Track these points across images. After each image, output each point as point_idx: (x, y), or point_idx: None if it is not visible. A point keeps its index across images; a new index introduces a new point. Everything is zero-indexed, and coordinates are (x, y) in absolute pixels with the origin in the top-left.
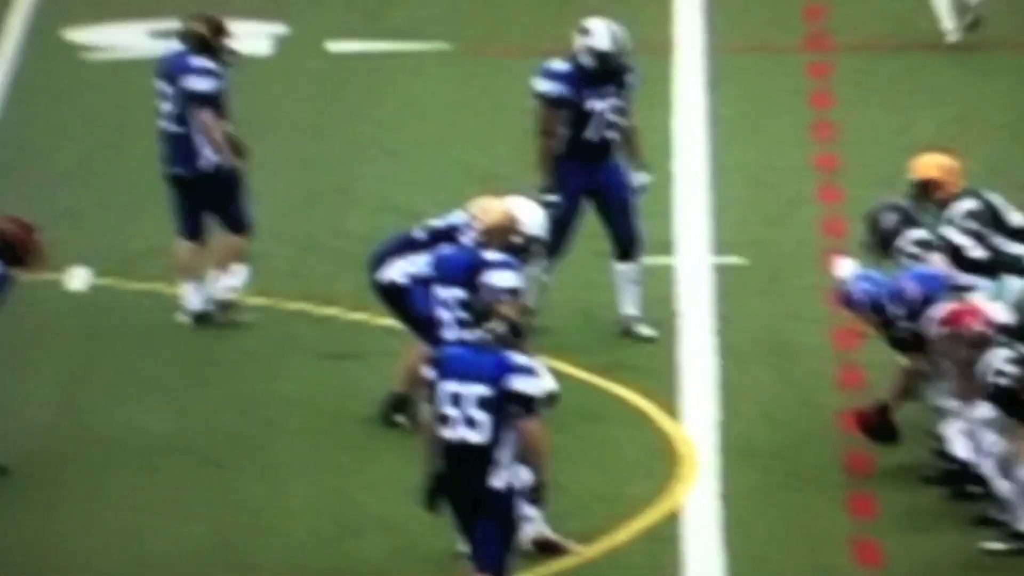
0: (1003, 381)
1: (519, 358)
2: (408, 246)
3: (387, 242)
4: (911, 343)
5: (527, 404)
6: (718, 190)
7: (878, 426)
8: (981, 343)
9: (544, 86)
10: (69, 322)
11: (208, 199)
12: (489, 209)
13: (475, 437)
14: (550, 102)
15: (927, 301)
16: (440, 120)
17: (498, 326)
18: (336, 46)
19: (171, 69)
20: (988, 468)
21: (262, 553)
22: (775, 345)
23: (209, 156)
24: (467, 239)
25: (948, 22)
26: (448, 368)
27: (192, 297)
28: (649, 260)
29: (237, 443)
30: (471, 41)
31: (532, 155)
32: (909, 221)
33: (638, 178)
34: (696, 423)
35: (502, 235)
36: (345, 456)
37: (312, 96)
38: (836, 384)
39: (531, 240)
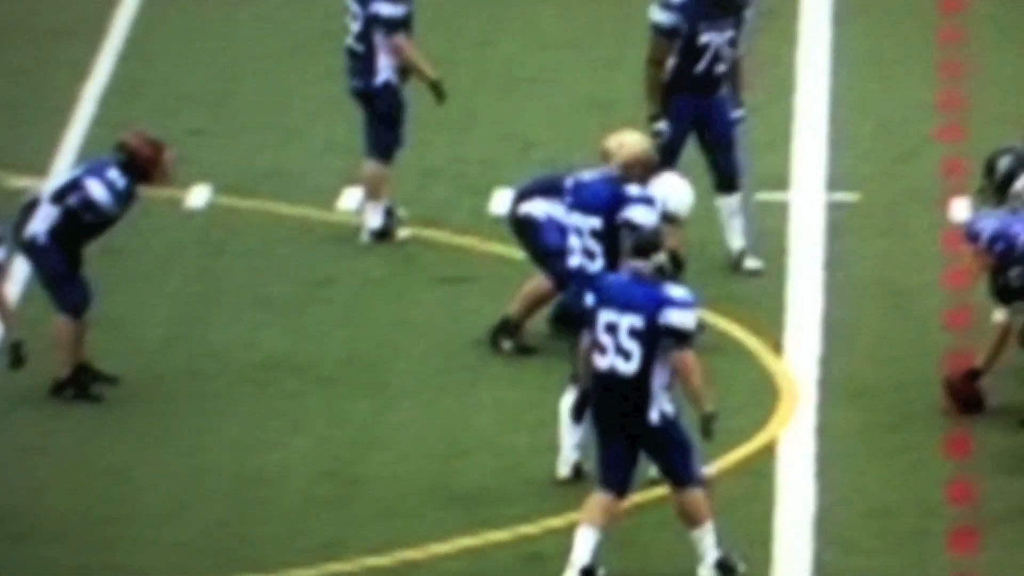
0: None
1: (675, 290)
2: (554, 190)
3: (535, 180)
4: (1016, 291)
5: (682, 337)
6: (838, 127)
7: (965, 393)
8: None
9: (658, 16)
10: (188, 239)
11: (377, 115)
12: (627, 142)
13: (626, 368)
14: (663, 32)
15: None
16: (563, 51)
17: (660, 258)
18: None
19: None
20: None
21: (367, 468)
22: (885, 284)
23: (382, 78)
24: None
25: None
26: (606, 296)
27: (373, 215)
28: (764, 195)
29: (349, 362)
30: None
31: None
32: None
33: (735, 113)
34: (799, 359)
35: (641, 168)
36: (455, 378)
37: (440, 25)
38: (945, 325)
39: (674, 217)
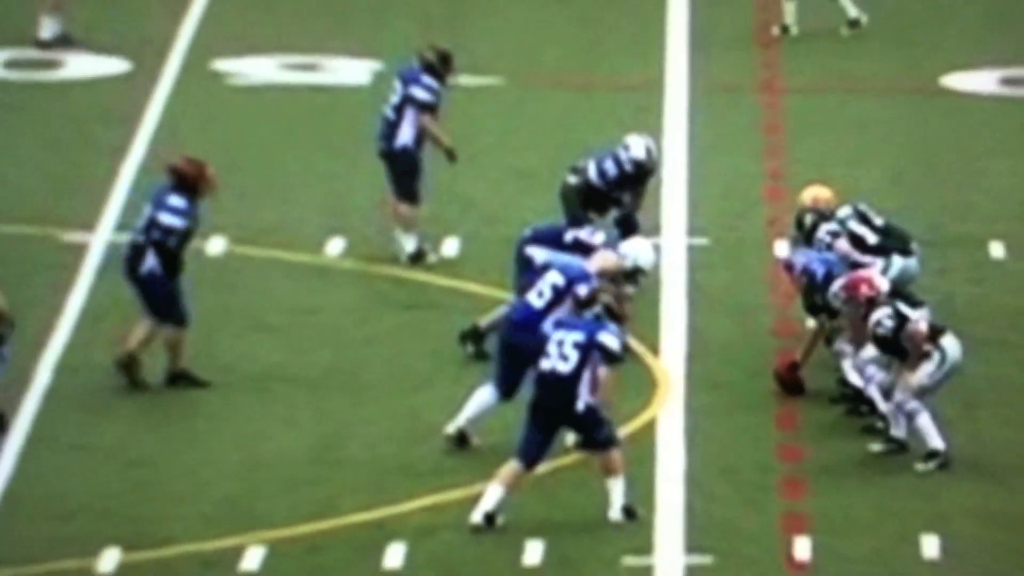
0: (881, 331)
1: (611, 326)
2: (556, 241)
3: (546, 227)
4: (820, 308)
5: (608, 355)
6: (695, 191)
7: (789, 380)
8: (870, 303)
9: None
10: (206, 279)
11: (396, 171)
12: (605, 257)
13: (563, 368)
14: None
15: (829, 276)
16: (498, 134)
17: (597, 310)
18: None
19: (406, 76)
20: (873, 393)
21: (347, 452)
22: (731, 303)
23: (402, 141)
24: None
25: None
26: (562, 323)
27: (409, 243)
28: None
29: (330, 372)
30: (519, 76)
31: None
32: (823, 218)
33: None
34: (671, 359)
35: (610, 274)
36: (413, 382)
37: None
38: (774, 332)
39: (638, 269)
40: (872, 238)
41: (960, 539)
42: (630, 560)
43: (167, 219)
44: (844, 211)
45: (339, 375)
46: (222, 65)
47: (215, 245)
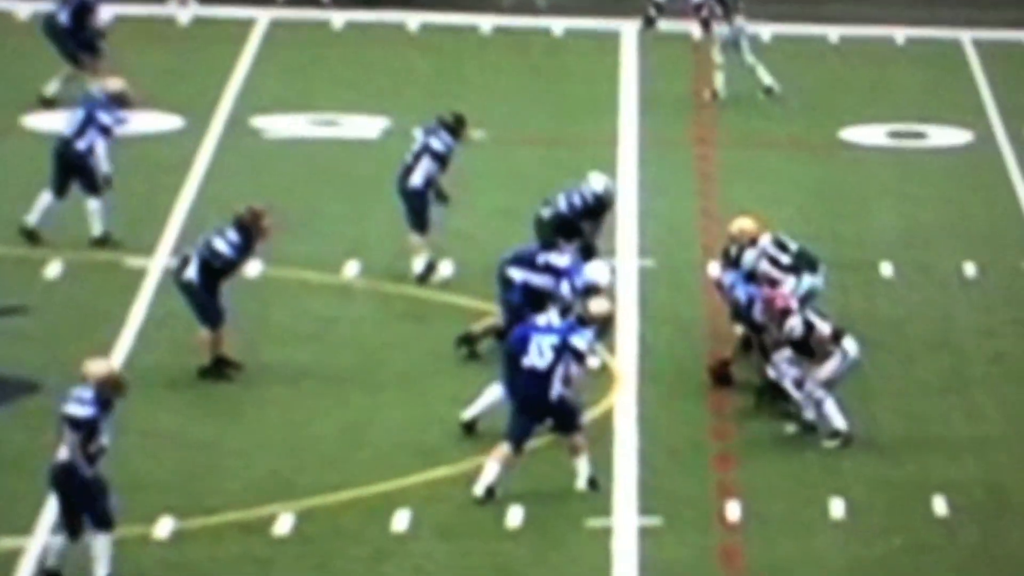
0: (795, 335)
1: (583, 331)
2: (530, 263)
3: (523, 251)
4: (741, 316)
5: (578, 356)
6: (645, 223)
7: (720, 375)
8: (784, 313)
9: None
10: (246, 297)
11: (409, 207)
12: (600, 304)
13: (540, 364)
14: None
15: (751, 300)
16: (486, 178)
17: (572, 318)
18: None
19: (426, 132)
20: (787, 384)
21: (366, 437)
22: (673, 314)
23: (413, 183)
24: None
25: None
26: (544, 330)
27: (418, 264)
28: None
29: (352, 371)
30: (502, 133)
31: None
32: (750, 243)
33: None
34: (626, 358)
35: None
36: (422, 378)
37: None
38: (708, 336)
39: (599, 288)
40: (786, 260)
41: (859, 501)
42: (593, 522)
43: (220, 245)
44: (764, 239)
45: (359, 373)
46: (260, 122)
47: (253, 268)
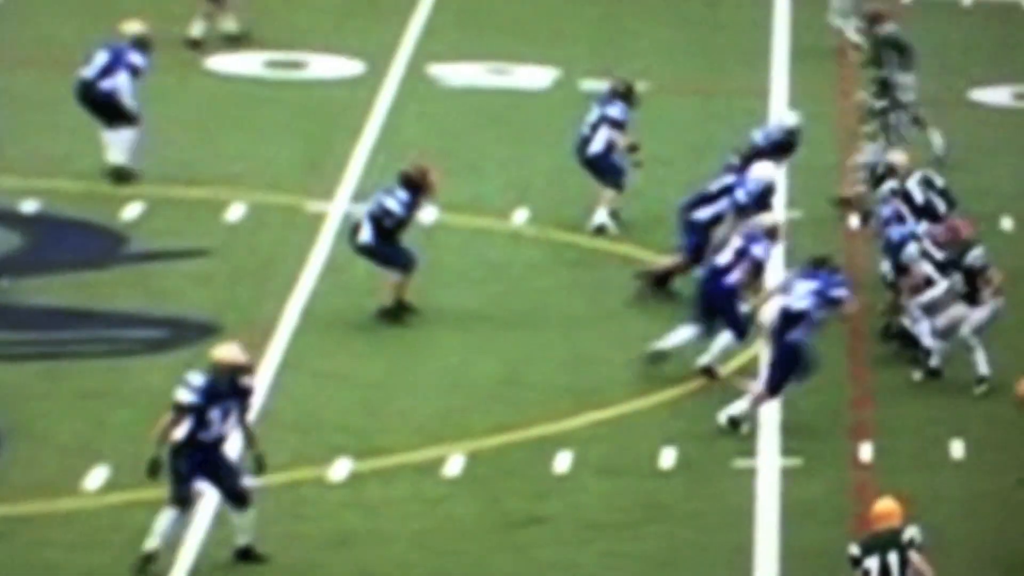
0: (978, 263)
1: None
2: (707, 198)
3: (697, 192)
4: (891, 252)
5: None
6: (792, 173)
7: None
8: (965, 245)
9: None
10: (419, 242)
11: (598, 172)
12: (769, 216)
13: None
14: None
15: (903, 237)
16: (645, 133)
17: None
18: (587, 84)
19: (602, 100)
20: (920, 332)
21: (528, 378)
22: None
23: (594, 150)
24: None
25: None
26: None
27: (600, 215)
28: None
29: (516, 314)
30: (660, 82)
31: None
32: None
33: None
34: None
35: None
36: (580, 322)
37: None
38: (852, 286)
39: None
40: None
41: (979, 441)
42: (740, 463)
43: (390, 203)
44: (915, 176)
45: (523, 317)
46: (437, 70)
47: (428, 215)
